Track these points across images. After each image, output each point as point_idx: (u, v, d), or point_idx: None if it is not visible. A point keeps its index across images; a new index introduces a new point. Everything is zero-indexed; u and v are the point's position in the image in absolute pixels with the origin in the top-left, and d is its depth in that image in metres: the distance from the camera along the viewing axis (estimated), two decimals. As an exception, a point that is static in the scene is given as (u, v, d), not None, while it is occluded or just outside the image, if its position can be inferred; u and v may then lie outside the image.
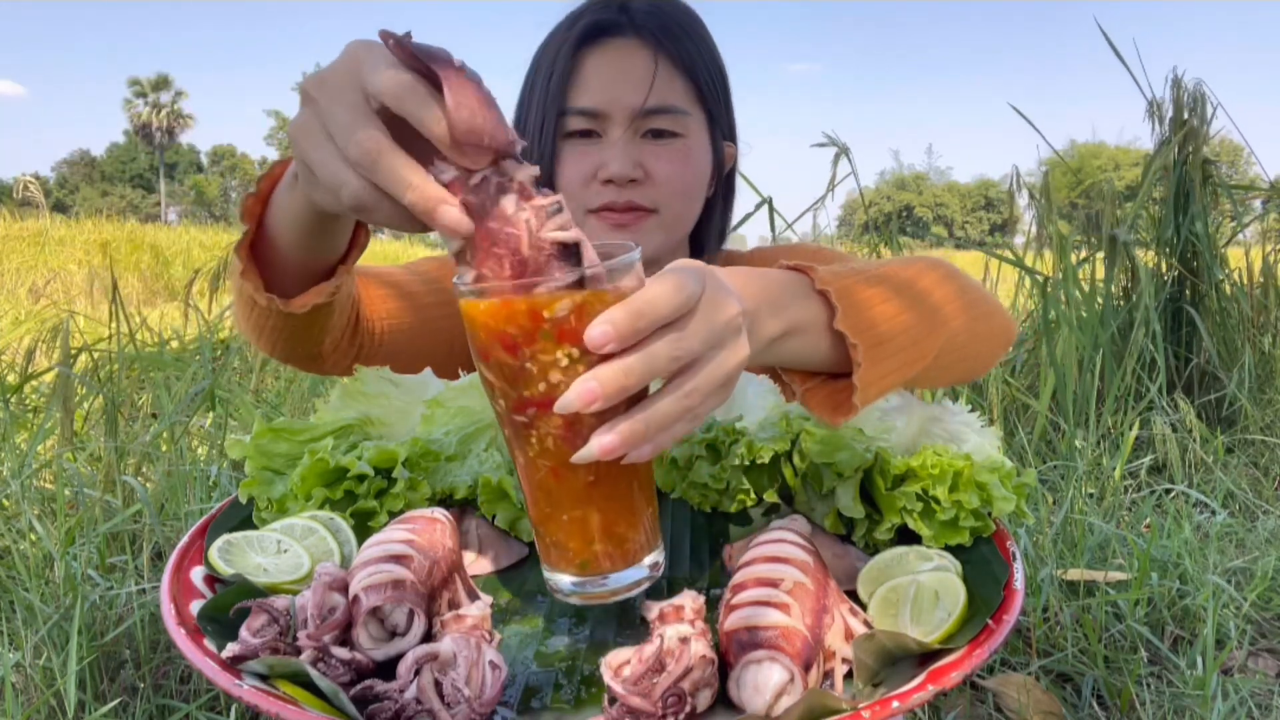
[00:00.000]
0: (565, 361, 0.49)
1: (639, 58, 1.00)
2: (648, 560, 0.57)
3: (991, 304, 0.83)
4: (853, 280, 0.65)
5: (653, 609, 0.54)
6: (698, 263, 0.54)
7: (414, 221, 0.52)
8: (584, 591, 0.57)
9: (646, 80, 0.99)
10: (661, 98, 0.99)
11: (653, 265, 1.19)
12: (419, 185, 0.49)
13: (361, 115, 0.51)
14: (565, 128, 1.01)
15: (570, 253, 0.50)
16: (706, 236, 1.14)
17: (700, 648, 0.50)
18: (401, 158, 0.50)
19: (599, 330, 0.46)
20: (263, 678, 0.51)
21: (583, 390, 0.47)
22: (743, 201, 1.22)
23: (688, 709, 0.49)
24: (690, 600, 0.54)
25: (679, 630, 0.51)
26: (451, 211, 0.49)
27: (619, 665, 0.50)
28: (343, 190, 0.52)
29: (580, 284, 0.49)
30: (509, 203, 0.50)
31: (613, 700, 0.49)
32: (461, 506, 0.77)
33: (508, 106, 1.08)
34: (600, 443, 0.48)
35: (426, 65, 0.49)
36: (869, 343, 0.63)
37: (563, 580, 0.57)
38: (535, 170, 0.51)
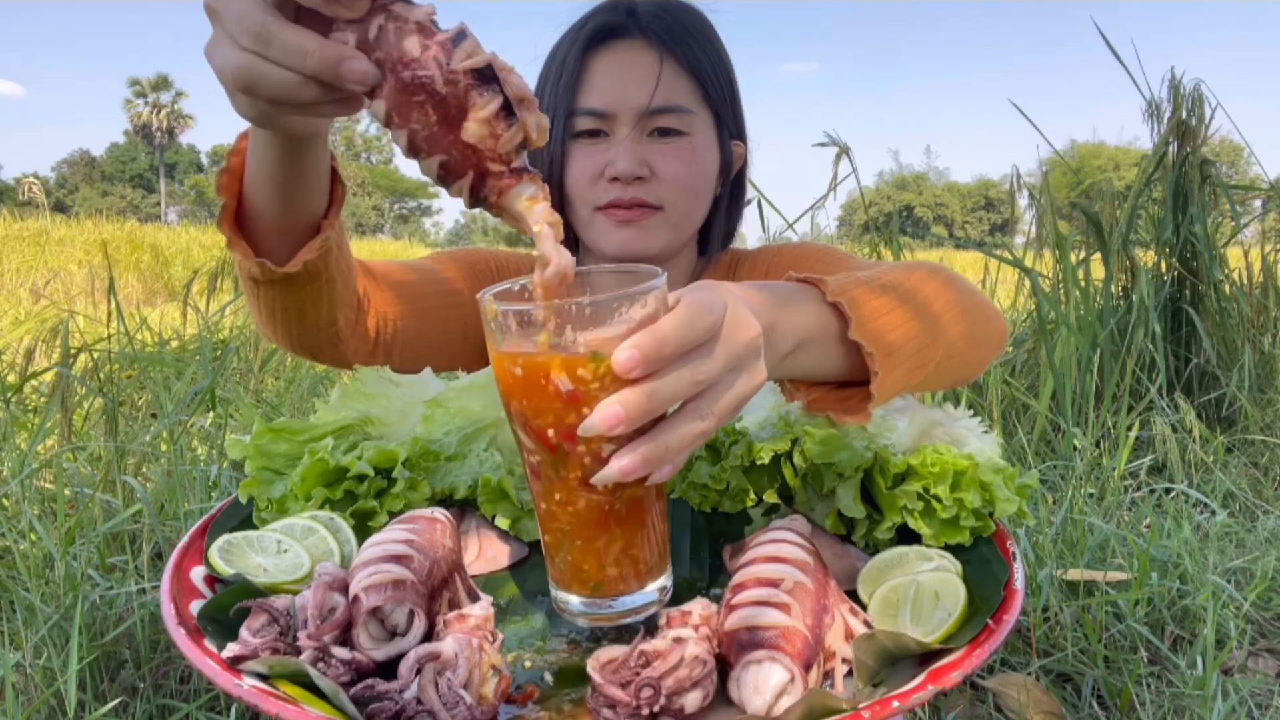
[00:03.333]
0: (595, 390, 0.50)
1: (645, 59, 1.01)
2: (655, 585, 0.58)
3: (987, 309, 0.84)
4: (861, 291, 0.66)
5: (660, 614, 0.55)
6: (719, 283, 0.55)
7: (312, 89, 0.51)
8: (592, 613, 0.58)
9: (652, 80, 1.00)
10: (667, 97, 1.01)
11: (659, 263, 1.21)
12: (316, 48, 0.50)
13: (252, 6, 0.51)
14: (574, 128, 1.03)
15: (486, 77, 0.50)
16: (713, 235, 1.15)
17: (695, 650, 0.50)
18: (294, 29, 0.50)
19: (625, 355, 0.47)
20: (263, 678, 0.51)
21: (607, 414, 0.48)
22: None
23: (661, 703, 0.48)
24: (700, 608, 0.54)
25: (678, 633, 0.51)
26: (356, 64, 0.49)
27: (606, 660, 0.51)
28: (228, 73, 0.52)
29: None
30: (412, 44, 0.49)
31: (593, 690, 0.49)
32: (461, 506, 0.77)
33: None
34: (620, 465, 0.49)
35: None
36: (882, 352, 0.64)
37: (571, 600, 0.59)
38: (429, 7, 0.50)
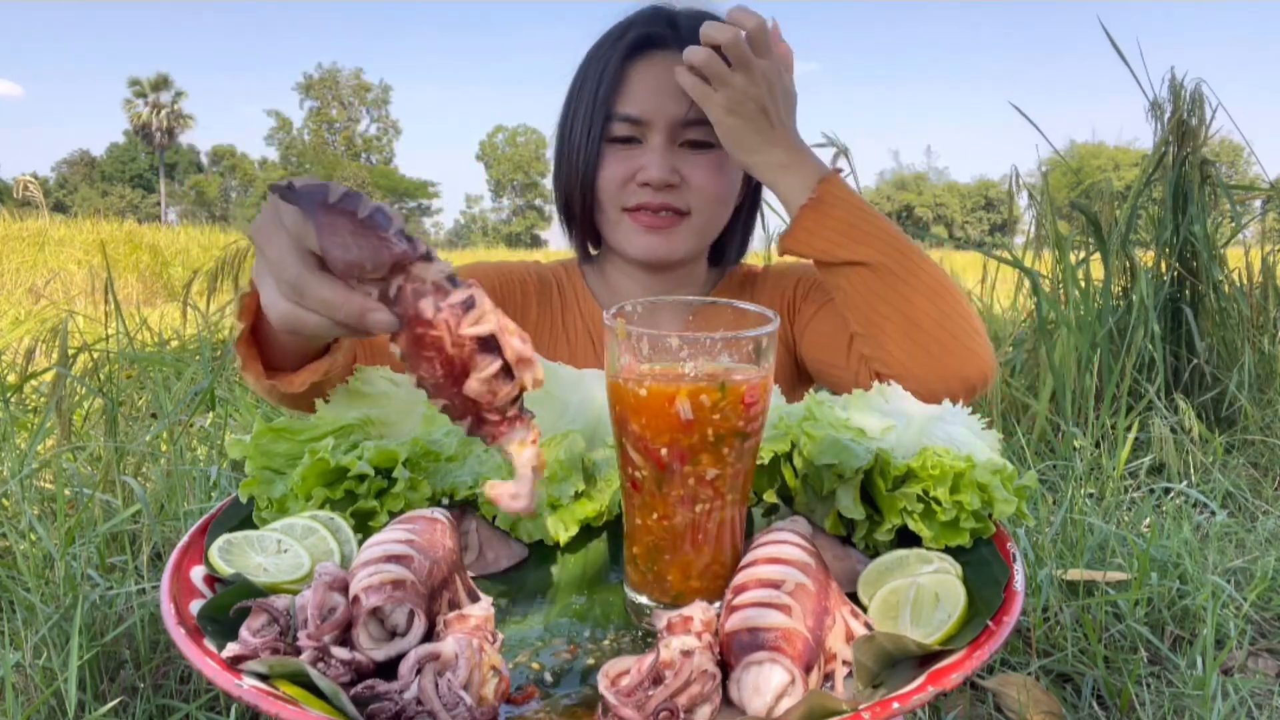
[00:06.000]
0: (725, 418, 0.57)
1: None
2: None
3: (971, 324, 0.91)
4: (862, 203, 0.93)
5: (662, 619, 0.54)
6: None
7: (343, 329, 0.57)
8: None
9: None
10: (701, 111, 1.02)
11: (680, 269, 1.22)
12: (343, 303, 0.55)
13: (290, 253, 0.56)
14: (610, 132, 1.06)
15: (489, 344, 0.55)
16: (728, 245, 1.18)
17: (703, 661, 0.50)
18: (324, 281, 0.55)
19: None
20: (263, 678, 0.51)
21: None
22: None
23: None
24: (700, 612, 0.54)
25: (684, 643, 0.50)
26: (378, 316, 0.55)
27: (617, 675, 0.50)
28: (273, 316, 0.59)
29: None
30: (427, 306, 0.54)
31: (605, 710, 0.48)
32: (461, 506, 0.77)
33: (554, 107, 1.14)
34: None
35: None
36: (813, 203, 0.92)
37: (648, 605, 0.62)
38: (447, 267, 0.55)
